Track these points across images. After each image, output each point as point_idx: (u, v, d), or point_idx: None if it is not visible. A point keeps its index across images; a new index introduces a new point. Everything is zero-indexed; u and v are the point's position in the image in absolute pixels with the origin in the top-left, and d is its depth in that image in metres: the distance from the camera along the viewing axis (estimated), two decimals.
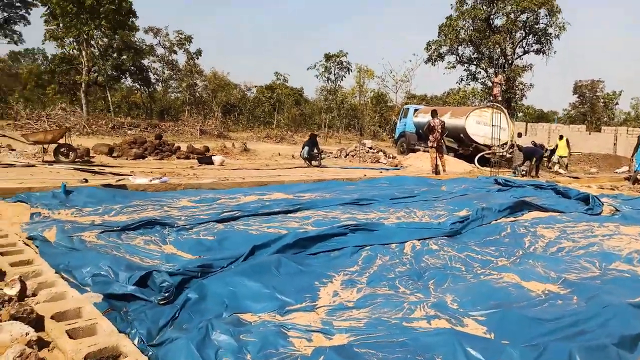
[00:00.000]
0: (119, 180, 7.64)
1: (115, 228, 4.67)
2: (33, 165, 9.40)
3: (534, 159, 15.50)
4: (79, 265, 3.52)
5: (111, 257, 3.63)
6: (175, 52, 33.29)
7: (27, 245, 4.03)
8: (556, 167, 18.14)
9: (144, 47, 32.40)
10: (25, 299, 2.61)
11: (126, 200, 6.16)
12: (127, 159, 13.61)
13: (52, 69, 30.71)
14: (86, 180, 7.73)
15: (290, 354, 2.49)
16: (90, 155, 12.96)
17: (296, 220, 5.68)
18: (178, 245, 4.41)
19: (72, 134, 20.08)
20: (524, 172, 15.26)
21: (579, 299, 3.76)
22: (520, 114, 41.14)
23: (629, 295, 3.84)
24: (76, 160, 11.03)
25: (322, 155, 14.39)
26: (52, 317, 2.37)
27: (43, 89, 33.06)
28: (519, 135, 20.51)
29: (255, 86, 40.41)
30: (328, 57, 35.12)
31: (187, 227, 4.99)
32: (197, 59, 33.66)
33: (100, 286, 3.23)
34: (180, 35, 32.68)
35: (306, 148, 13.58)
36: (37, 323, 2.35)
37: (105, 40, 28.16)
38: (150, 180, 8.22)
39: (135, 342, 2.61)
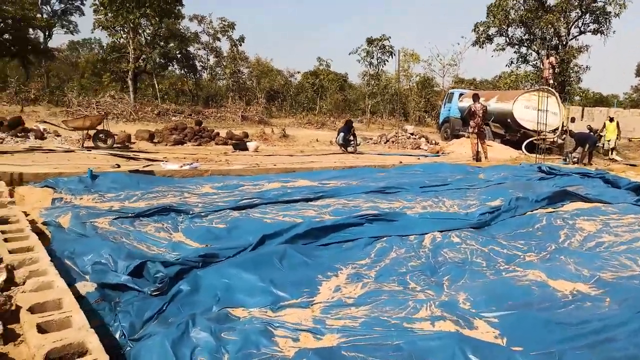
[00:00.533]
0: (146, 166, 7.74)
1: (130, 214, 4.68)
2: (72, 151, 9.73)
3: (587, 145, 14.54)
4: (83, 252, 3.52)
5: (113, 244, 3.61)
6: (218, 39, 33.69)
7: (41, 231, 4.11)
8: (613, 154, 16.96)
9: (189, 34, 32.95)
10: (12, 288, 2.60)
11: (150, 186, 6.21)
12: (166, 144, 13.90)
13: (104, 57, 31.90)
14: (118, 166, 7.89)
15: (270, 355, 2.35)
16: (132, 141, 13.32)
17: (315, 208, 5.51)
18: (188, 233, 4.36)
19: (119, 121, 20.88)
20: (575, 160, 14.35)
21: (612, 301, 3.39)
22: (577, 98, 38.85)
23: None
24: (115, 146, 11.34)
25: (359, 141, 14.11)
26: (30, 308, 2.33)
27: (99, 77, 34.47)
28: (572, 120, 19.31)
29: (298, 72, 40.30)
30: (370, 41, 34.38)
31: (202, 214, 4.94)
32: (240, 45, 33.90)
33: (97, 275, 3.21)
34: (223, 22, 33.00)
35: (341, 134, 13.34)
36: (13, 314, 2.32)
37: (152, 28, 28.80)
38: (181, 167, 8.29)
39: (117, 335, 2.56)
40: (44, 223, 4.32)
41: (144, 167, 7.54)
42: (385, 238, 4.43)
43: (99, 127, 10.94)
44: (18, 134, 11.59)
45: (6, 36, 31.27)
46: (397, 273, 3.70)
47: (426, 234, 4.66)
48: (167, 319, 2.68)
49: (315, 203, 5.78)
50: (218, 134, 16.10)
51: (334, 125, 27.12)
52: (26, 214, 4.62)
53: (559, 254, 4.31)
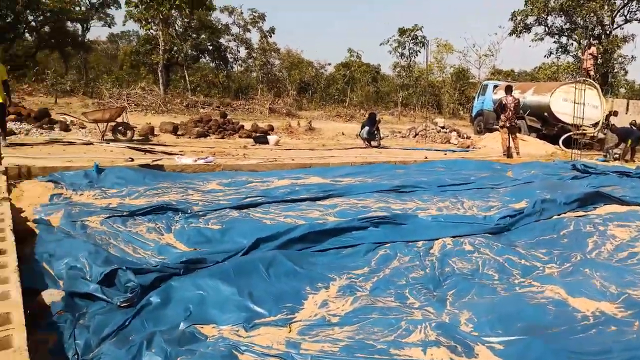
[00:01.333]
0: (156, 160, 7.61)
1: (124, 213, 4.51)
2: (91, 144, 9.75)
3: (630, 141, 13.61)
4: (62, 254, 3.35)
5: (92, 247, 3.42)
6: (249, 31, 33.59)
7: (31, 230, 3.98)
8: None
9: (220, 26, 33.03)
10: None
11: (155, 182, 6.05)
12: (189, 137, 13.84)
13: (137, 49, 32.39)
14: (132, 159, 7.80)
15: None
16: (155, 133, 13.33)
17: (320, 209, 5.21)
18: (179, 234, 4.14)
19: (147, 113, 21.10)
20: (617, 156, 13.48)
21: None
22: (622, 90, 36.88)
23: None
24: (137, 138, 11.35)
25: (384, 135, 13.65)
26: None
27: (137, 69, 35.09)
28: (615, 113, 18.19)
29: (329, 64, 39.87)
30: (402, 32, 33.53)
31: (199, 213, 4.72)
32: (270, 36, 33.70)
33: (70, 281, 3.02)
34: (254, 14, 32.87)
35: (366, 128, 12.93)
36: None
37: (181, 20, 28.99)
38: (195, 161, 8.14)
39: (70, 354, 2.34)
40: (35, 221, 4.20)
41: (153, 161, 7.41)
42: (389, 244, 4.10)
43: (119, 120, 10.94)
44: (44, 126, 11.76)
45: (46, 29, 32.22)
46: (395, 285, 3.37)
47: (436, 239, 4.29)
48: (127, 337, 2.45)
49: (323, 203, 5.47)
50: (242, 126, 15.97)
51: (363, 118, 26.67)
52: (21, 211, 4.53)
53: (584, 267, 3.86)
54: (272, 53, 35.80)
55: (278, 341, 2.46)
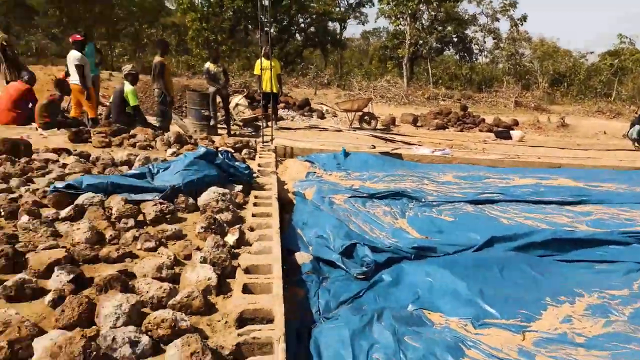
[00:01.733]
0: (395, 149, 7.91)
1: (364, 195, 4.86)
2: (340, 131, 10.78)
3: None
4: (312, 224, 3.83)
5: (336, 221, 3.78)
6: (497, 20, 31.68)
7: (290, 200, 4.67)
8: None
9: (467, 17, 32.10)
10: (242, 247, 3.01)
11: (392, 169, 6.33)
12: (428, 129, 14.00)
13: (386, 44, 34.25)
14: (374, 147, 8.33)
15: None
16: (396, 124, 13.92)
17: (570, 215, 4.59)
18: (412, 221, 4.23)
19: (391, 104, 22.17)
20: None
21: None
22: None
23: None
24: (379, 128, 12.04)
25: None
26: (246, 268, 2.64)
27: (385, 63, 37.42)
28: None
29: (591, 52, 34.60)
30: None
31: (433, 203, 4.74)
32: (521, 24, 31.06)
33: (317, 248, 3.43)
34: (504, 2, 30.79)
35: (636, 127, 10.78)
36: (233, 270, 2.67)
37: (430, 13, 29.28)
38: (432, 152, 8.20)
39: (314, 310, 2.67)
40: (294, 193, 4.89)
41: (393, 149, 7.75)
42: None
43: (365, 110, 11.78)
44: (305, 113, 13.57)
45: (312, 29, 36.93)
46: None
47: None
48: (361, 305, 2.66)
49: (573, 208, 4.82)
50: (483, 120, 15.33)
51: (633, 115, 22.33)
52: (284, 184, 5.34)
53: None
54: (523, 43, 33.06)
55: (509, 346, 2.30)
